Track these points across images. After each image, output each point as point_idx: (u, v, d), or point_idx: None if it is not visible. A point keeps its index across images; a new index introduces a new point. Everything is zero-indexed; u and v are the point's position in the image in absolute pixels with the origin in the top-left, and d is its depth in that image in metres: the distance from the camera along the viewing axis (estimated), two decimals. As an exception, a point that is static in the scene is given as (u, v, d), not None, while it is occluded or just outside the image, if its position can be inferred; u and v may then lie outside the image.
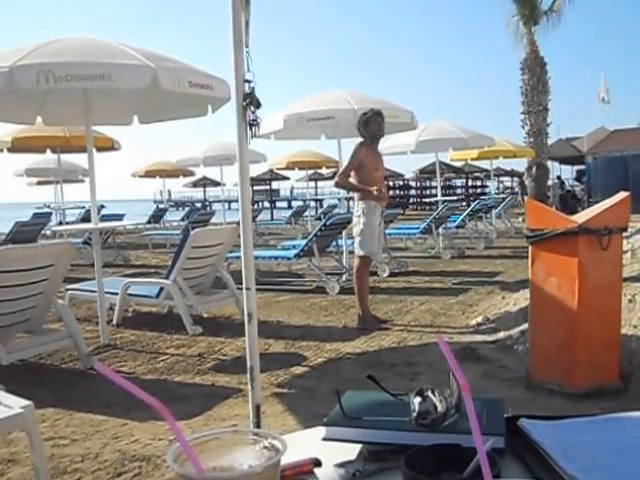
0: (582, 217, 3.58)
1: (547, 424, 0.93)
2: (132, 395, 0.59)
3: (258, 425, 2.62)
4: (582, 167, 24.33)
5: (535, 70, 20.13)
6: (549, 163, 21.74)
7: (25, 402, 2.24)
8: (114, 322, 5.66)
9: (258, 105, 2.51)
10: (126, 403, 3.39)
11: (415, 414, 0.88)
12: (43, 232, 12.91)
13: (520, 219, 15.41)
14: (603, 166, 22.21)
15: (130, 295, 5.77)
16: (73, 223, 13.23)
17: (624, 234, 3.79)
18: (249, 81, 2.51)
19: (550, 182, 21.71)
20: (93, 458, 2.90)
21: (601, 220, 3.42)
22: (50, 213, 15.17)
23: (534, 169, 20.30)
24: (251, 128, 2.52)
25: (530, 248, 3.64)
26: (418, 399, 0.89)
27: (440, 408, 0.87)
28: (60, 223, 13.35)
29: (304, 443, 0.89)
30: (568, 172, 28.58)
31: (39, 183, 18.84)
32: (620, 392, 3.40)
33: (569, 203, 19.02)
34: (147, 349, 4.94)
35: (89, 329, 5.48)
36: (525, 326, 4.50)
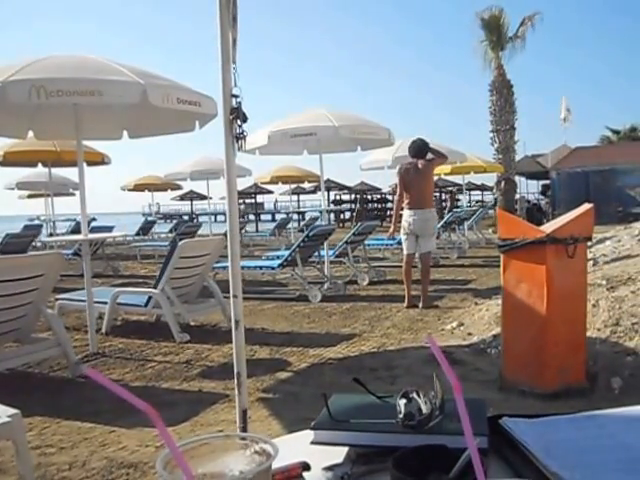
0: (550, 227, 3.62)
1: (528, 422, 0.90)
2: (120, 402, 0.55)
3: (244, 430, 2.57)
4: (547, 182, 24.72)
5: (503, 92, 20.48)
6: (516, 178, 22.06)
7: (12, 411, 2.15)
8: (103, 330, 5.56)
9: (244, 119, 2.49)
10: (114, 410, 3.29)
11: (401, 416, 0.85)
12: (34, 244, 12.65)
13: (490, 230, 15.55)
14: (566, 181, 22.64)
15: (119, 304, 5.69)
16: (63, 235, 13.01)
17: (588, 243, 3.84)
18: (236, 96, 2.49)
19: (517, 196, 22.01)
20: (80, 466, 2.78)
21: (567, 230, 3.46)
22: (41, 225, 14.88)
23: (503, 183, 20.59)
24: (238, 141, 2.50)
25: (502, 257, 3.66)
26: (404, 401, 0.86)
27: (425, 410, 0.85)
28: (51, 235, 13.11)
29: (292, 447, 0.86)
30: (534, 186, 29.03)
31: (30, 196, 18.53)
32: (587, 392, 3.42)
33: (535, 215, 19.29)
34: (135, 356, 4.85)
35: (78, 337, 5.39)
36: (497, 330, 4.51)
